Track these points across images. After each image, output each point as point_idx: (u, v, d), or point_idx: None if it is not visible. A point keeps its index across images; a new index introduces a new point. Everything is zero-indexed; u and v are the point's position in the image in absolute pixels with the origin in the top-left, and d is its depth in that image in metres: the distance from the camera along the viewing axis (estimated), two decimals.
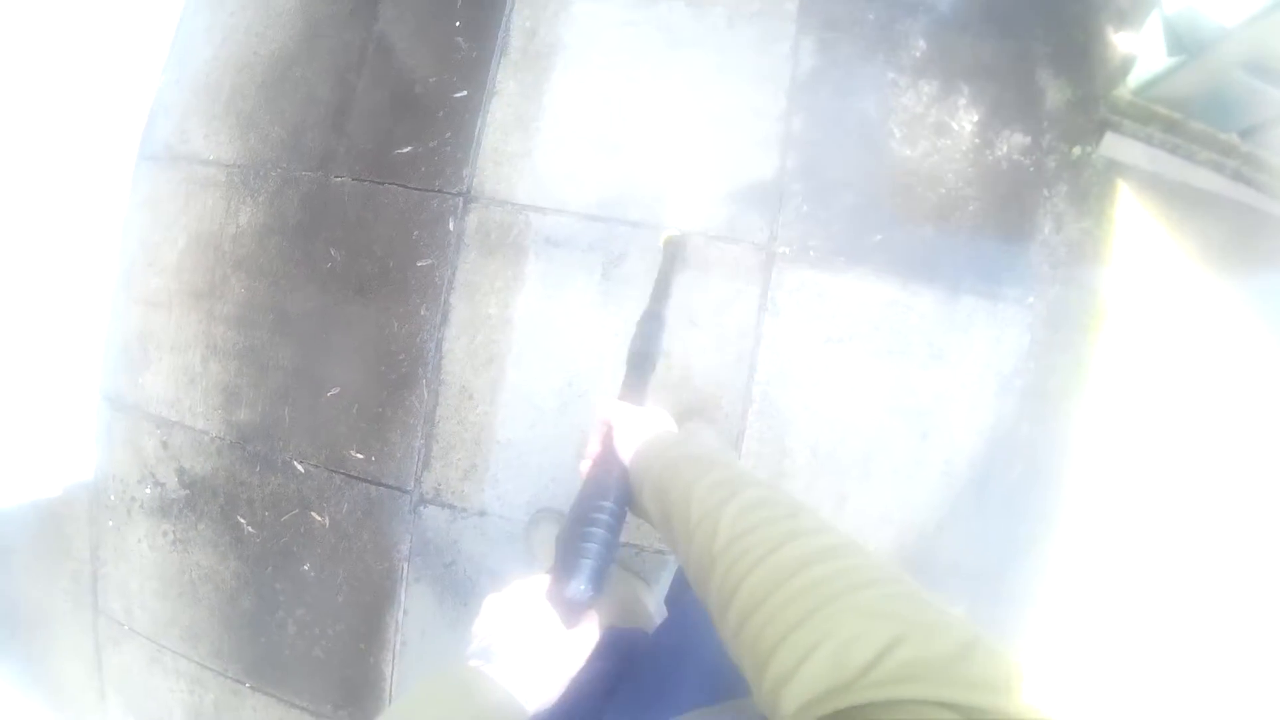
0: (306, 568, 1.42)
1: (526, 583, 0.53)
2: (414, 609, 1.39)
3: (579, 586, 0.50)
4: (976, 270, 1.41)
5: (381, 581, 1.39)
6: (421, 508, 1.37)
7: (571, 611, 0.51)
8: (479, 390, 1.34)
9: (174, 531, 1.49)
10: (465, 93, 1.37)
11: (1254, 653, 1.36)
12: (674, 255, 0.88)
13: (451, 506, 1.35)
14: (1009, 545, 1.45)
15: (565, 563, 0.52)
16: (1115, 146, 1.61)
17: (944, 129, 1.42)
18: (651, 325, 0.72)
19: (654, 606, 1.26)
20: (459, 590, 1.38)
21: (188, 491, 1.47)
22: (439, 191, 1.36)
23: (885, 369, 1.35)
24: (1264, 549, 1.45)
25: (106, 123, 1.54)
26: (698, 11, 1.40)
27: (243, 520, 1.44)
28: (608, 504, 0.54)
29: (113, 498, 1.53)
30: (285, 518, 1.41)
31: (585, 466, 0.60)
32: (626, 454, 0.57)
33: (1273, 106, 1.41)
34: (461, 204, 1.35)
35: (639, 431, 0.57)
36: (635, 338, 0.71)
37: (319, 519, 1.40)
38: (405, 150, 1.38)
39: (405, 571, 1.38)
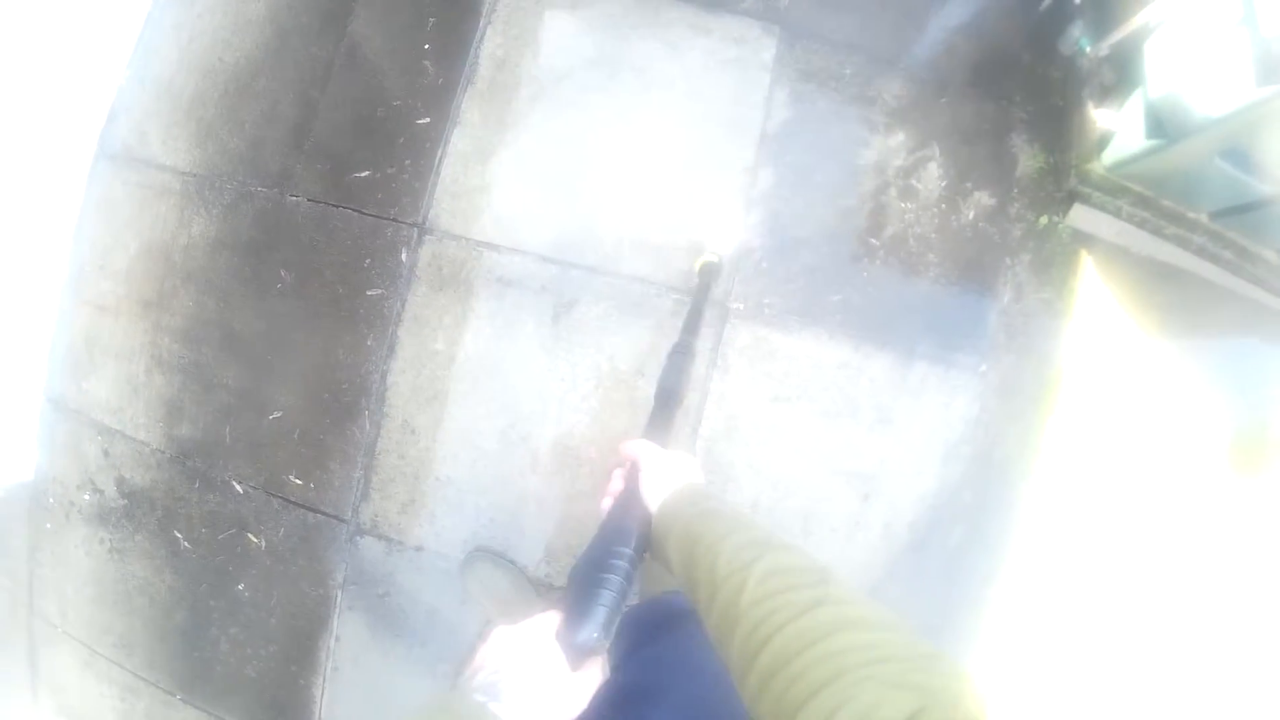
0: (241, 587, 1.41)
1: (537, 620, 0.52)
2: (346, 636, 1.39)
3: (591, 634, 0.50)
4: (933, 336, 1.40)
5: (315, 607, 1.39)
6: (358, 538, 1.36)
7: (579, 655, 0.50)
8: (421, 426, 1.32)
9: (111, 540, 1.47)
10: (428, 120, 1.34)
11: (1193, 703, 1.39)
12: (709, 283, 0.85)
13: (388, 539, 1.35)
14: (946, 608, 1.46)
15: (578, 605, 0.52)
16: (1083, 218, 1.60)
17: (911, 191, 1.40)
18: (681, 359, 0.71)
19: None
20: (392, 621, 1.38)
21: (126, 501, 1.46)
22: (394, 220, 1.34)
23: (831, 431, 1.35)
24: (1209, 624, 1.48)
25: (66, 116, 1.50)
26: (673, 53, 1.37)
27: (179, 535, 1.42)
28: (627, 550, 0.54)
29: (52, 500, 1.51)
30: (222, 536, 1.40)
31: (606, 504, 0.60)
32: (653, 499, 0.56)
33: (1247, 193, 1.41)
34: (416, 235, 1.33)
35: (668, 478, 0.57)
36: (664, 371, 0.70)
37: (255, 540, 1.39)
38: (363, 174, 1.35)
39: (339, 599, 1.38)
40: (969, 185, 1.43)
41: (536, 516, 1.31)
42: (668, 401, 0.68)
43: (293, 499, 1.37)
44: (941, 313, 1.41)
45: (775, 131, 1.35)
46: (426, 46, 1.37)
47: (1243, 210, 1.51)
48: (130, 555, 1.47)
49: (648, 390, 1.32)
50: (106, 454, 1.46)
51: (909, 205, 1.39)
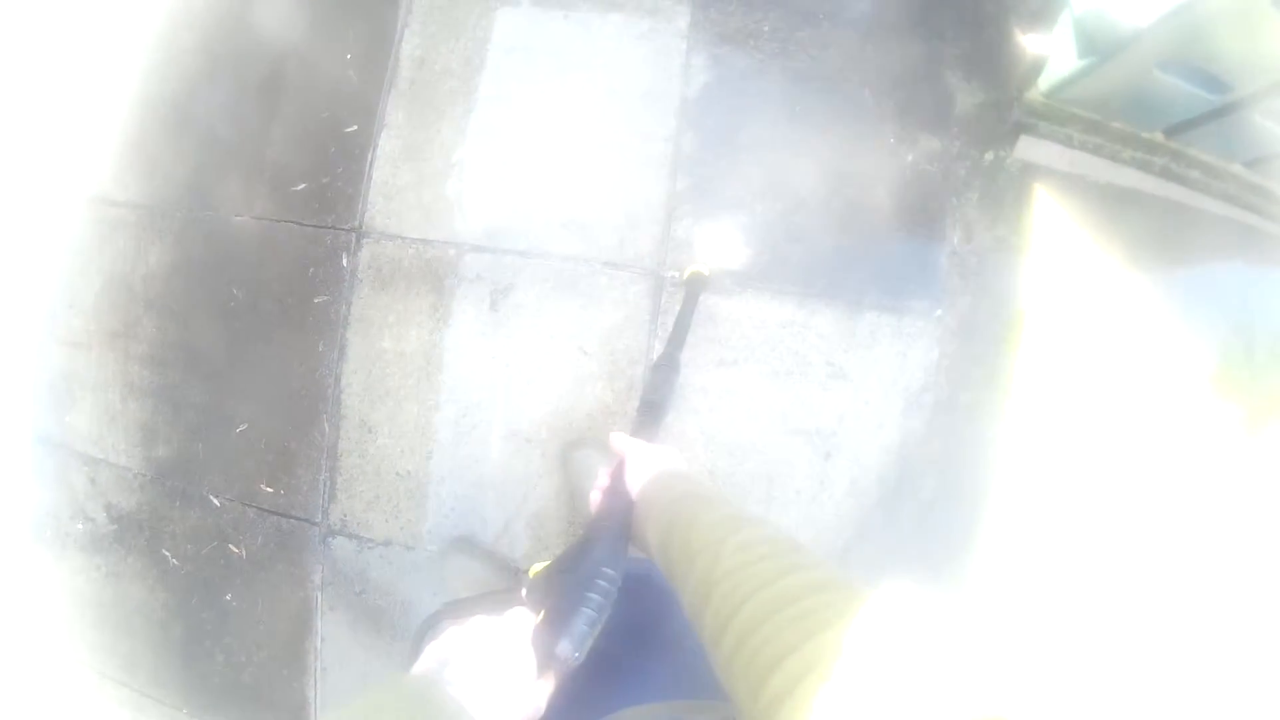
0: (229, 598, 1.46)
1: (514, 617, 0.52)
2: (331, 636, 1.43)
3: (571, 650, 0.50)
4: (879, 285, 1.38)
5: (299, 610, 1.42)
6: (330, 539, 1.39)
7: (551, 664, 0.50)
8: (377, 423, 1.35)
9: (106, 565, 1.54)
10: (355, 127, 1.38)
11: (1178, 661, 1.33)
12: (695, 294, 0.87)
13: (358, 537, 1.38)
14: (922, 564, 1.43)
15: (560, 614, 0.52)
16: (1032, 150, 1.55)
17: (842, 140, 1.38)
18: (665, 373, 0.73)
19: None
20: (371, 617, 1.41)
21: (116, 526, 1.52)
22: (332, 228, 1.37)
23: (783, 390, 1.33)
24: (1187, 558, 1.42)
25: (28, 162, 1.58)
26: (587, 34, 1.38)
27: (167, 553, 1.48)
28: (614, 574, 0.55)
29: (49, 534, 1.58)
30: (205, 550, 1.45)
31: (595, 498, 0.62)
32: (635, 487, 0.59)
33: (1195, 104, 1.35)
34: (354, 239, 1.36)
35: (649, 466, 0.59)
36: (648, 385, 0.72)
37: (236, 551, 1.43)
38: (300, 187, 1.39)
39: (319, 601, 1.42)
40: (905, 128, 1.40)
41: (495, 502, 1.33)
42: (650, 412, 0.69)
43: (266, 507, 1.41)
44: (887, 260, 1.39)
45: (696, 97, 1.35)
46: (349, 56, 1.41)
47: (1197, 124, 1.45)
48: (125, 578, 1.53)
49: (590, 366, 1.33)
50: (93, 482, 1.53)
51: (842, 155, 1.37)
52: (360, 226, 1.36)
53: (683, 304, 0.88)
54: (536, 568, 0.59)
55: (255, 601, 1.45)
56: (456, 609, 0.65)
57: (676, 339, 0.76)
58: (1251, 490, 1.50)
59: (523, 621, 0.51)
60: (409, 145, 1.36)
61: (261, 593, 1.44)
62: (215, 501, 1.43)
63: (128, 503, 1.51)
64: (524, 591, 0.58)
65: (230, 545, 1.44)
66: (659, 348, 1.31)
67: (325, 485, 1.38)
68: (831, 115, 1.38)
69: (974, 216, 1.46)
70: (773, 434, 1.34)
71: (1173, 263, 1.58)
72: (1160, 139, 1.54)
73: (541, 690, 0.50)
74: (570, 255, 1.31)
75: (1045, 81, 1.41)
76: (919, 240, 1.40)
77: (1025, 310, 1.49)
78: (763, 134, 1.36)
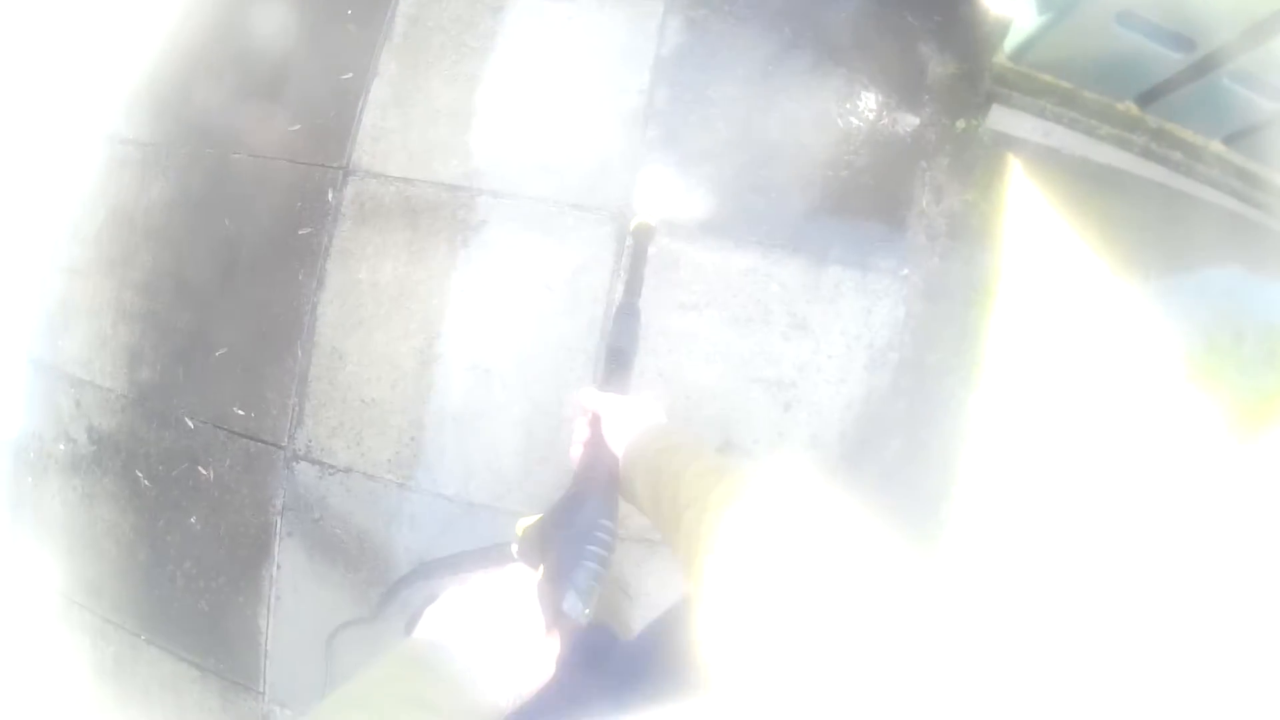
0: (193, 520, 1.49)
1: (504, 576, 0.51)
2: (286, 564, 1.44)
3: (582, 608, 0.49)
4: (845, 241, 1.40)
5: (258, 535, 1.44)
6: (294, 463, 1.42)
7: (559, 621, 0.49)
8: (348, 351, 1.39)
9: (82, 486, 1.58)
10: (351, 75, 1.46)
11: (1134, 626, 1.28)
12: (644, 243, 0.90)
13: (320, 463, 1.41)
14: (891, 523, 1.40)
15: (563, 570, 0.51)
16: (1004, 120, 1.58)
17: (813, 102, 1.43)
18: (626, 320, 0.74)
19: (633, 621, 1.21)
20: (327, 546, 1.42)
21: (95, 448, 1.57)
22: (321, 165, 1.44)
23: (743, 337, 1.35)
24: (1147, 529, 1.37)
25: (49, 102, 1.69)
26: None
27: (140, 474, 1.52)
28: (610, 524, 0.55)
29: (32, 455, 1.64)
30: (175, 472, 1.49)
31: (576, 452, 0.63)
32: (618, 444, 0.59)
33: (1160, 64, 1.36)
34: (341, 176, 1.43)
35: (630, 423, 0.60)
36: (612, 333, 0.73)
37: (205, 473, 1.47)
38: (295, 128, 1.47)
39: (279, 526, 1.43)
40: (876, 93, 1.44)
41: (454, 434, 1.35)
42: (618, 359, 0.71)
43: (236, 429, 1.45)
44: (853, 218, 1.41)
45: (670, 55, 1.41)
46: (349, 11, 1.50)
47: (1168, 90, 1.45)
48: (99, 499, 1.57)
49: (554, 303, 1.36)
50: (78, 404, 1.59)
51: (811, 115, 1.41)
52: (347, 165, 1.43)
53: (633, 254, 0.90)
54: (525, 523, 0.59)
55: (218, 525, 1.47)
56: (441, 566, 0.65)
57: (632, 287, 0.78)
58: (1232, 478, 1.46)
59: (523, 578, 0.51)
60: (398, 93, 1.44)
61: (225, 516, 1.47)
62: (190, 423, 1.48)
63: (108, 424, 1.56)
64: (515, 548, 0.58)
65: (200, 467, 1.47)
66: (621, 289, 1.33)
67: (294, 410, 1.42)
68: (803, 78, 1.43)
69: (943, 181, 1.48)
70: (731, 381, 1.35)
71: (1156, 246, 1.57)
72: (1135, 111, 1.55)
73: (550, 649, 0.49)
74: (541, 197, 1.36)
75: (1010, 44, 1.44)
76: (886, 200, 1.43)
77: (999, 276, 1.49)
78: (734, 92, 1.41)
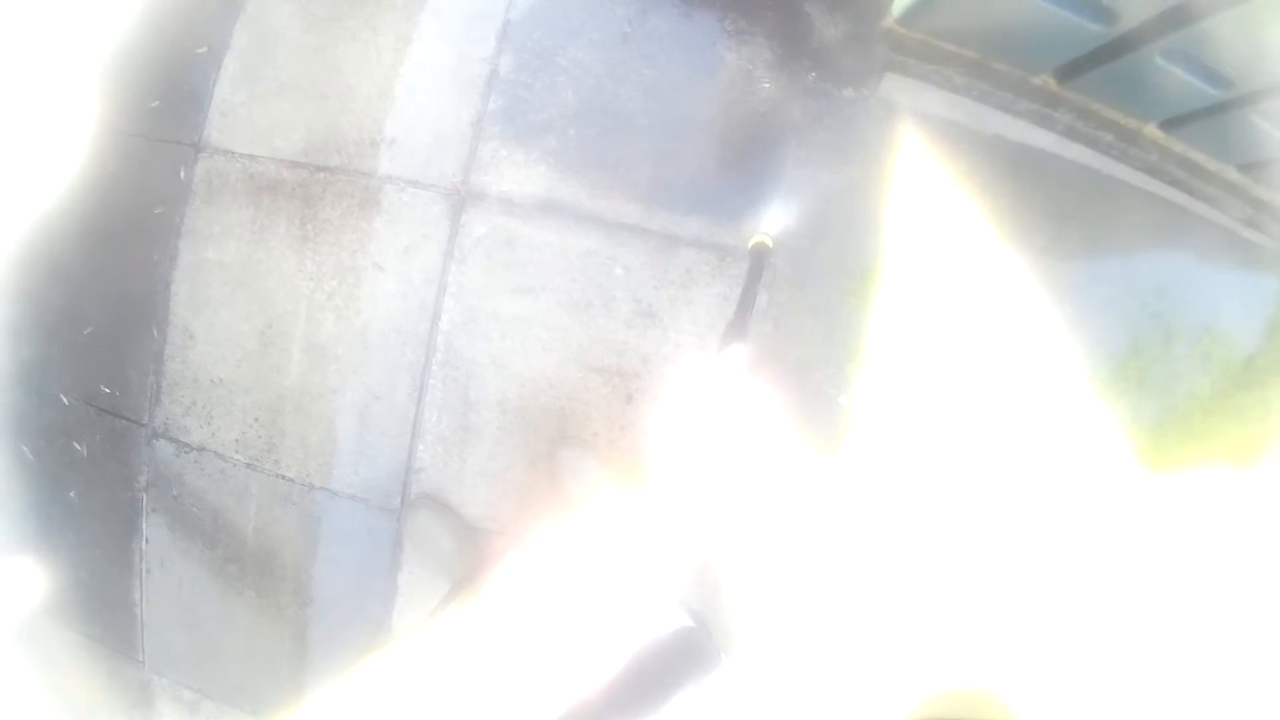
0: (72, 494, 1.54)
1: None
2: (154, 538, 1.48)
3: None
4: (700, 220, 1.30)
5: (126, 510, 1.49)
6: (154, 441, 1.45)
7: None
8: (197, 330, 1.40)
9: None
10: (206, 49, 1.43)
11: (1057, 631, 1.18)
12: (759, 265, 0.86)
13: (177, 441, 1.43)
14: None
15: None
16: (901, 90, 1.43)
17: (675, 67, 1.32)
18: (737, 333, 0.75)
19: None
20: (187, 522, 1.45)
21: None
22: (175, 142, 1.43)
23: (581, 324, 1.28)
24: (1056, 537, 1.25)
25: None
26: None
27: (26, 449, 1.58)
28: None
29: None
30: (54, 446, 1.54)
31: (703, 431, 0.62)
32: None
33: (1072, 35, 1.19)
34: (193, 154, 1.41)
35: None
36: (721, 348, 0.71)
37: (79, 448, 1.51)
38: (154, 105, 1.46)
39: (145, 502, 1.47)
40: (750, 56, 1.32)
41: (294, 414, 1.34)
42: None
43: (104, 407, 1.48)
44: (711, 194, 1.31)
45: (520, 19, 1.32)
46: None
47: (1088, 65, 1.28)
48: None
49: (386, 284, 1.32)
50: None
51: (670, 82, 1.31)
52: (198, 142, 1.41)
53: (747, 275, 0.87)
54: None
55: (93, 499, 1.52)
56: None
57: (745, 304, 0.80)
58: (1153, 497, 1.31)
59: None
60: (247, 66, 1.40)
61: (98, 491, 1.51)
62: (64, 400, 1.52)
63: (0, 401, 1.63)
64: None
65: (74, 443, 1.52)
66: (455, 269, 1.28)
67: (151, 388, 1.43)
68: (665, 42, 1.31)
69: (821, 155, 1.35)
70: (569, 369, 1.29)
71: (1078, 235, 1.41)
72: (1054, 86, 1.38)
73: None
74: (376, 173, 1.31)
75: (898, 6, 1.29)
76: (750, 176, 1.31)
77: (882, 263, 1.36)
78: (586, 58, 1.31)
